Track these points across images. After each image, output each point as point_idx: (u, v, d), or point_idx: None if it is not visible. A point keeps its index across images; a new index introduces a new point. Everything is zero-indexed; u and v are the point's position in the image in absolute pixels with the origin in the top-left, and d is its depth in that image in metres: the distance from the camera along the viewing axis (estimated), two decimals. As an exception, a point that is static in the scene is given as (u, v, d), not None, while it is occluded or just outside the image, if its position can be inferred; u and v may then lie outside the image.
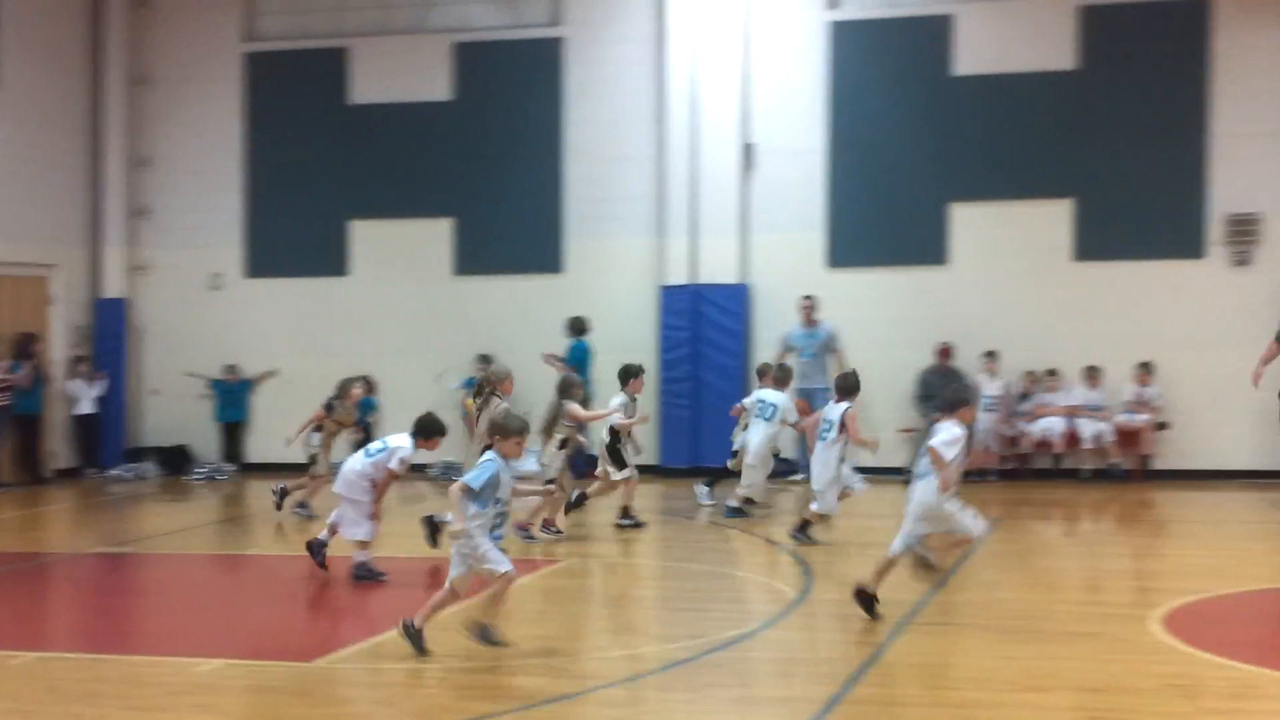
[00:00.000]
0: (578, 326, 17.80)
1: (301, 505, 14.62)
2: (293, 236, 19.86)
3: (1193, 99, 17.31)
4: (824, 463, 12.30)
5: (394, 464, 10.79)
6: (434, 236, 19.41)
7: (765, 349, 17.94)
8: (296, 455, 15.21)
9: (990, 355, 17.29)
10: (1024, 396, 17.49)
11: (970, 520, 8.96)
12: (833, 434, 12.22)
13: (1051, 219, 17.69)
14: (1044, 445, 17.35)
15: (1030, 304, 17.71)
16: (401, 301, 19.47)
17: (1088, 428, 17.05)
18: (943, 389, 11.00)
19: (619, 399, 13.50)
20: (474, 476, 8.19)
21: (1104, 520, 14.74)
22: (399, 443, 10.87)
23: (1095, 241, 17.57)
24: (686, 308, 18.20)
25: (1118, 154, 17.51)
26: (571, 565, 11.83)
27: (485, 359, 17.98)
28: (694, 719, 7.38)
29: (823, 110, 18.34)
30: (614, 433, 13.37)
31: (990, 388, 17.15)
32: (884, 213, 18.14)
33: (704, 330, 18.21)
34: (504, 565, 8.24)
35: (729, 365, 18.09)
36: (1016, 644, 8.65)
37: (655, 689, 7.84)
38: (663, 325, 18.38)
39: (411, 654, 8.23)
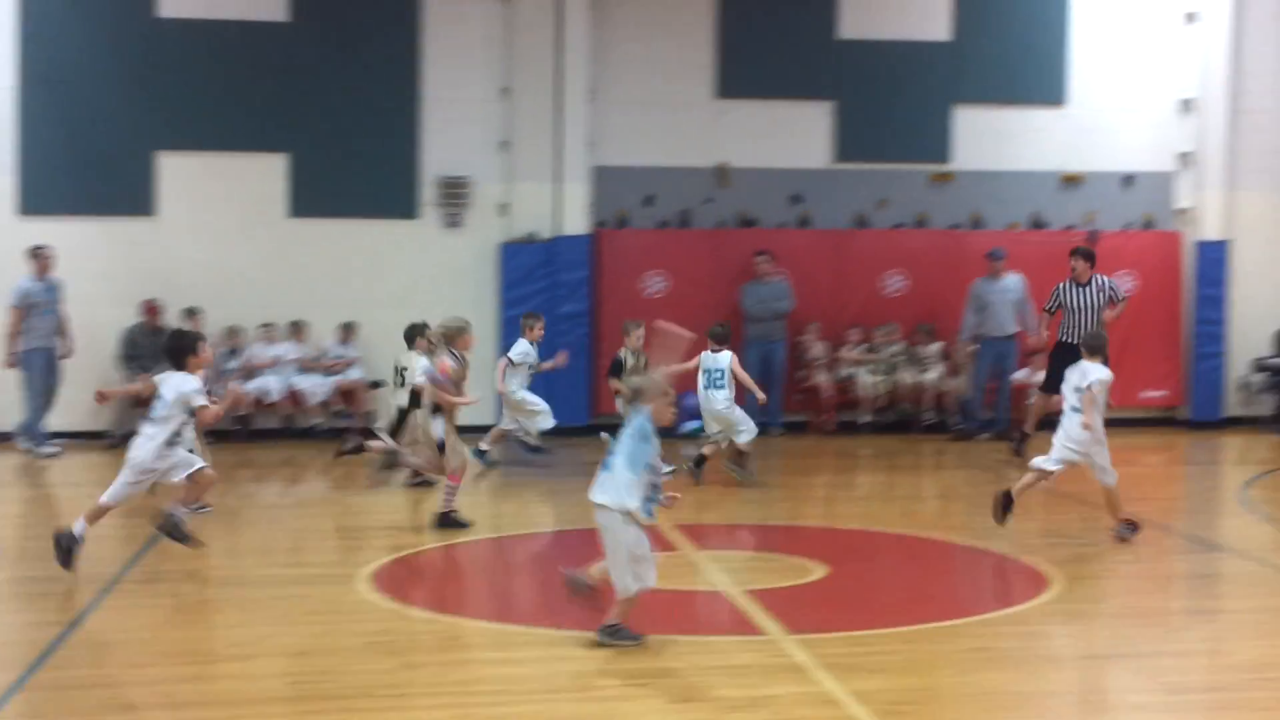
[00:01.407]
0: None
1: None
2: None
3: (405, 62, 17.56)
4: None
5: (198, 401, 9.02)
6: None
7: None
8: None
9: (191, 312, 16.46)
10: (233, 353, 16.93)
11: None
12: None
13: (265, 173, 17.34)
14: (266, 404, 16.94)
15: (242, 259, 17.24)
16: None
17: (306, 384, 16.93)
18: (152, 346, 10.47)
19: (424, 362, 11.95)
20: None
21: (326, 480, 14.52)
22: (182, 383, 9.03)
23: (310, 198, 17.42)
24: None
25: (332, 112, 17.42)
26: None
27: None
28: None
29: (11, 45, 16.78)
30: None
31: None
32: (84, 159, 16.91)
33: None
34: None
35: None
36: (221, 612, 8.24)
37: None
38: None
39: None
